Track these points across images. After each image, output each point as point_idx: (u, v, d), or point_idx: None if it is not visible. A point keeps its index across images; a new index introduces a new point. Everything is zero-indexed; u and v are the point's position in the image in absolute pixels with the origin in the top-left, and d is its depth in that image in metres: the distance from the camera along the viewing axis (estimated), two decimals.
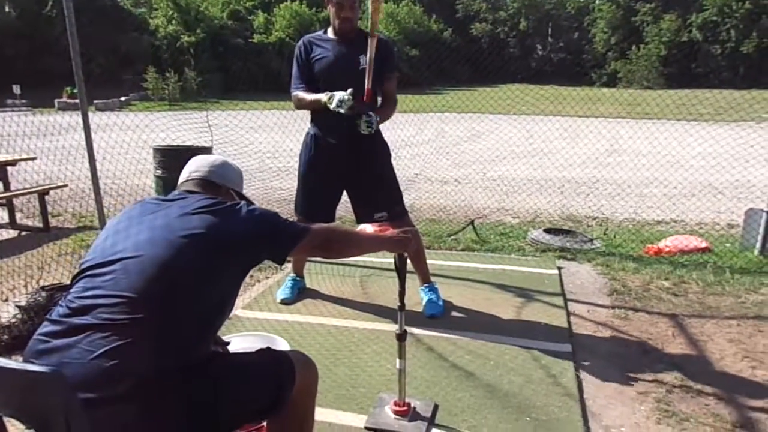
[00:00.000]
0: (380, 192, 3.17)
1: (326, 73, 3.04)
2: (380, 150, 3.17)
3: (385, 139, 3.23)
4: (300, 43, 3.14)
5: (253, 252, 1.59)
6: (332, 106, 2.80)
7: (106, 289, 1.35)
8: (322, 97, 2.86)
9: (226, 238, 1.51)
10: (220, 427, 1.42)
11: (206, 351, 1.48)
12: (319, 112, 3.03)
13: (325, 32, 3.12)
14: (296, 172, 3.37)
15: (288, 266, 4.12)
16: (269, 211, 1.71)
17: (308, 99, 3.00)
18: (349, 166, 3.11)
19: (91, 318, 1.30)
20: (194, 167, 1.81)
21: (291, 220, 1.67)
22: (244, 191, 1.88)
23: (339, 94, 2.79)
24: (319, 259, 4.26)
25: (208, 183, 1.76)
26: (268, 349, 1.61)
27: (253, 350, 1.63)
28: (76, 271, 1.47)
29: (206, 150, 5.34)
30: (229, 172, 1.84)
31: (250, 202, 1.76)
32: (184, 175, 1.81)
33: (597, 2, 48.08)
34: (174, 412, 1.30)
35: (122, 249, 1.43)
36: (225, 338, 2.08)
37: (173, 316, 1.36)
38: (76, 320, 1.31)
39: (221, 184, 1.78)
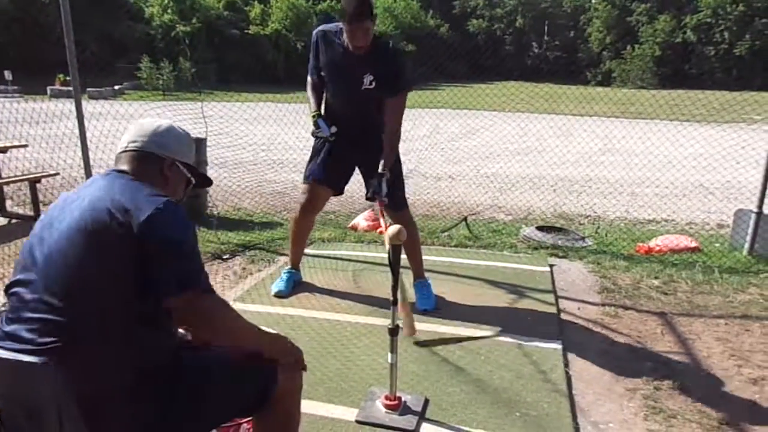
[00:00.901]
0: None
1: (330, 80, 3.07)
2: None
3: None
4: (314, 34, 3.12)
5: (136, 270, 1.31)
6: (314, 128, 3.07)
7: (31, 311, 1.26)
8: (312, 116, 3.10)
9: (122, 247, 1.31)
10: (204, 424, 1.44)
11: (161, 356, 1.39)
12: (330, 107, 3.21)
13: (342, 31, 3.00)
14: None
15: (282, 259, 4.13)
16: (188, 241, 1.38)
17: (309, 100, 3.18)
18: (360, 145, 3.15)
19: (31, 345, 1.22)
20: (132, 135, 1.56)
21: (203, 266, 1.41)
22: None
23: (324, 130, 3.04)
24: (310, 251, 4.27)
25: (146, 156, 1.53)
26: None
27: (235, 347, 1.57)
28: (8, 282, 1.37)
29: (200, 142, 5.33)
30: (174, 139, 1.59)
31: (199, 176, 1.65)
32: (121, 144, 1.56)
33: (593, 1, 48.19)
34: (145, 415, 1.32)
35: (38, 261, 1.32)
36: None
37: (93, 337, 1.27)
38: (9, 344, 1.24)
39: (163, 156, 1.55)
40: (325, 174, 3.25)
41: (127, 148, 1.54)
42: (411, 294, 3.32)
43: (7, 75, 22.05)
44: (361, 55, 2.94)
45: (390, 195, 3.12)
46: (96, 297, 1.28)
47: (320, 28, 3.14)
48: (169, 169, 1.56)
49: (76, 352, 1.21)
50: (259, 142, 9.71)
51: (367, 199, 3.19)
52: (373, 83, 2.96)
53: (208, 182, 1.78)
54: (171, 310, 1.32)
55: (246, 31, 35.45)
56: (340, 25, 2.97)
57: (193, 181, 1.66)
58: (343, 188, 3.40)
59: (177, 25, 34.22)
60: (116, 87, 26.24)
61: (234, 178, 6.77)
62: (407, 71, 3.05)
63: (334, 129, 3.05)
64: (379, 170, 2.92)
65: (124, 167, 1.52)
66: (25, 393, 1.21)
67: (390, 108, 2.98)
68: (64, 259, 1.29)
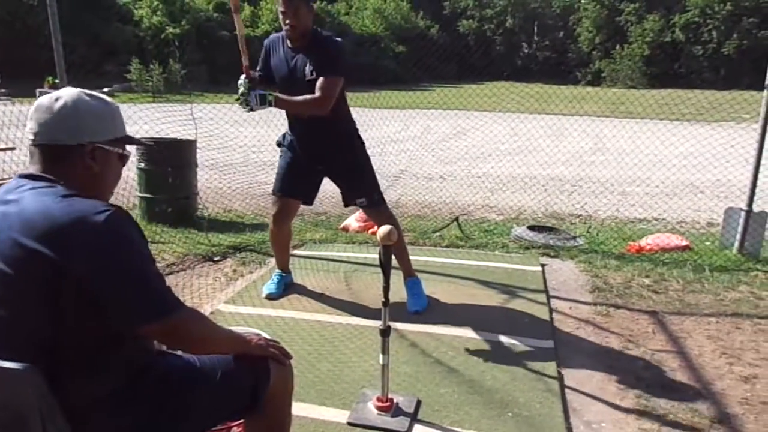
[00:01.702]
0: (353, 181, 3.26)
1: (279, 80, 3.09)
2: (347, 141, 3.22)
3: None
4: (264, 44, 3.20)
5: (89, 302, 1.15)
6: (247, 109, 2.90)
7: None
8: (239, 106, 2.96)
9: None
10: (194, 428, 1.42)
11: (144, 357, 1.33)
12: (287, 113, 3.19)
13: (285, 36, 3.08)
14: None
15: (273, 261, 4.10)
16: (143, 263, 1.20)
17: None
18: (318, 155, 3.19)
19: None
20: (34, 122, 1.25)
21: (165, 283, 1.26)
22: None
23: (240, 89, 2.89)
24: (301, 253, 4.25)
25: (56, 149, 1.24)
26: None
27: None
28: None
29: (190, 144, 5.29)
30: (86, 116, 1.27)
31: (133, 141, 1.40)
32: (27, 135, 1.27)
33: (582, 2, 48.47)
34: (134, 420, 1.29)
35: None
36: None
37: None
38: None
39: (76, 144, 1.25)
40: (287, 186, 3.30)
41: (34, 142, 1.25)
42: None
43: None
44: (302, 48, 2.98)
45: (366, 196, 3.18)
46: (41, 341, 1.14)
47: (269, 37, 3.22)
48: (90, 156, 1.27)
49: (58, 360, 1.18)
50: (249, 144, 9.66)
51: (345, 205, 3.26)
52: (314, 72, 2.94)
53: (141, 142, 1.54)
54: (143, 334, 1.23)
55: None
56: (279, 34, 3.10)
57: (128, 154, 1.39)
58: (312, 198, 3.43)
59: (166, 27, 34.09)
60: (106, 89, 26.03)
61: (224, 179, 6.73)
62: (341, 61, 3.00)
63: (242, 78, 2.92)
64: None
65: (36, 169, 1.25)
66: (8, 399, 1.19)
67: (316, 87, 2.88)
68: None
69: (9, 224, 1.14)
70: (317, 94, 2.87)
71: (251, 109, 2.88)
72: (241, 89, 2.87)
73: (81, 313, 1.15)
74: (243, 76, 2.92)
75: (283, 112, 3.17)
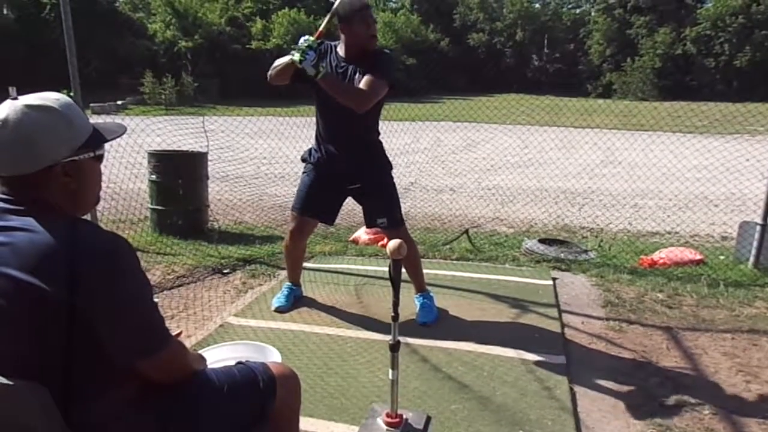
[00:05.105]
0: (380, 200, 3.21)
1: (322, 94, 2.91)
2: (380, 161, 3.20)
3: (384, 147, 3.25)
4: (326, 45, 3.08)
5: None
6: (298, 60, 2.66)
7: None
8: (288, 58, 2.74)
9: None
10: None
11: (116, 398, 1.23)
12: (318, 128, 3.13)
13: (334, 47, 3.05)
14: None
15: (282, 273, 4.09)
16: (144, 293, 1.17)
17: (279, 66, 2.85)
18: (350, 173, 3.14)
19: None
20: None
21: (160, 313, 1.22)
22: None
23: (307, 60, 2.66)
24: (311, 265, 4.24)
25: (21, 180, 1.11)
26: (246, 362, 1.55)
27: (231, 365, 1.55)
28: None
29: (201, 156, 5.33)
30: (39, 136, 1.10)
31: (105, 134, 1.25)
32: None
33: (593, 14, 48.52)
34: None
35: None
36: (214, 347, 2.04)
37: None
38: None
39: (41, 169, 1.11)
40: (309, 206, 3.25)
41: None
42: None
43: (12, 92, 22.16)
44: (355, 60, 2.95)
45: (389, 216, 3.15)
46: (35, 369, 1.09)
47: (330, 44, 3.12)
48: (63, 174, 1.14)
49: (64, 379, 1.15)
50: (260, 156, 9.72)
51: (368, 226, 3.25)
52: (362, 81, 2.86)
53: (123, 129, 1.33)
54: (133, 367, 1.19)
55: (248, 46, 35.74)
56: (331, 43, 3.04)
57: (103, 152, 1.25)
58: (333, 219, 3.40)
59: (179, 41, 34.56)
60: (119, 102, 26.46)
61: (235, 191, 6.77)
62: (392, 69, 2.97)
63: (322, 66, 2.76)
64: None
65: (9, 196, 1.12)
66: (14, 416, 1.18)
67: (362, 82, 2.79)
68: None
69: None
70: (362, 87, 2.77)
71: (301, 62, 2.67)
72: (307, 43, 2.70)
73: (83, 342, 1.11)
74: (314, 37, 2.77)
75: (317, 127, 3.15)
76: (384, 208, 3.19)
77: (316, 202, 3.25)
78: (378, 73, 2.79)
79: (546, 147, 11.79)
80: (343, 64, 2.98)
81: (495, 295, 3.72)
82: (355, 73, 2.92)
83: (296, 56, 2.68)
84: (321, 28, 2.88)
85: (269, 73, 2.91)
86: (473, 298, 3.69)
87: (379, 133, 3.20)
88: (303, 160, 3.29)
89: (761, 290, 3.89)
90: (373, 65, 2.84)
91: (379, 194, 3.20)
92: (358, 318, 3.34)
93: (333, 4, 2.92)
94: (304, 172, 3.30)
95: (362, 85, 2.78)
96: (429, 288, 3.46)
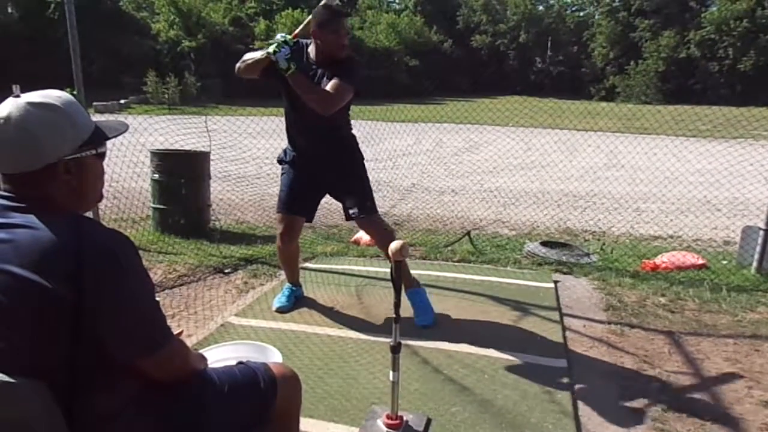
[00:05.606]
0: (351, 192, 3.26)
1: (293, 95, 2.95)
2: (351, 154, 3.25)
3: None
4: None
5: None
6: (272, 52, 2.76)
7: None
8: (263, 52, 2.85)
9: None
10: None
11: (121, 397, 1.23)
12: (288, 124, 3.19)
13: (306, 47, 3.07)
14: None
15: (284, 273, 4.09)
16: (147, 292, 1.18)
17: (250, 60, 2.92)
18: (321, 168, 3.20)
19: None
20: None
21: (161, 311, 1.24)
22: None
23: (278, 38, 2.81)
24: (312, 266, 4.24)
25: (23, 177, 1.12)
26: (247, 362, 1.55)
27: (232, 365, 1.54)
28: None
29: (204, 156, 5.33)
30: (42, 134, 1.11)
31: (107, 131, 1.25)
32: None
33: (596, 17, 48.49)
34: None
35: None
36: (216, 346, 2.04)
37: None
38: None
39: (43, 167, 1.12)
40: (291, 205, 3.30)
41: None
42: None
43: (15, 90, 22.18)
44: (325, 65, 2.97)
45: (360, 205, 3.19)
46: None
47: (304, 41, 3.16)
48: (65, 171, 1.15)
49: (66, 378, 1.14)
50: (262, 156, 9.72)
51: (346, 219, 3.31)
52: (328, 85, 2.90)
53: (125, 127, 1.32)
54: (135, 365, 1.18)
55: (251, 46, 35.75)
56: (305, 41, 3.05)
57: (104, 150, 1.26)
58: (313, 215, 3.44)
59: (183, 41, 34.61)
60: (122, 101, 26.49)
61: (237, 191, 6.77)
62: (358, 75, 2.99)
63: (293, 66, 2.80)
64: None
65: (12, 193, 1.13)
66: (16, 414, 1.18)
67: (329, 86, 2.83)
68: None
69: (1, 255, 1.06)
70: (328, 89, 2.82)
71: (275, 53, 2.76)
72: (283, 39, 2.81)
73: (85, 340, 1.11)
74: (291, 36, 2.89)
75: (286, 124, 3.20)
76: (355, 198, 3.22)
77: (298, 201, 3.30)
78: (345, 78, 2.85)
79: (548, 149, 11.77)
80: (313, 66, 3.01)
81: (496, 298, 3.71)
82: (323, 77, 2.95)
83: (271, 48, 2.78)
84: (297, 30, 2.98)
85: (238, 65, 2.99)
86: (475, 300, 3.68)
87: (351, 127, 3.27)
88: (279, 161, 3.36)
89: (764, 295, 3.87)
90: (340, 70, 2.89)
91: (351, 186, 3.24)
92: (359, 319, 3.34)
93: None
94: (282, 173, 3.36)
95: (329, 88, 2.84)
96: (430, 290, 3.45)
